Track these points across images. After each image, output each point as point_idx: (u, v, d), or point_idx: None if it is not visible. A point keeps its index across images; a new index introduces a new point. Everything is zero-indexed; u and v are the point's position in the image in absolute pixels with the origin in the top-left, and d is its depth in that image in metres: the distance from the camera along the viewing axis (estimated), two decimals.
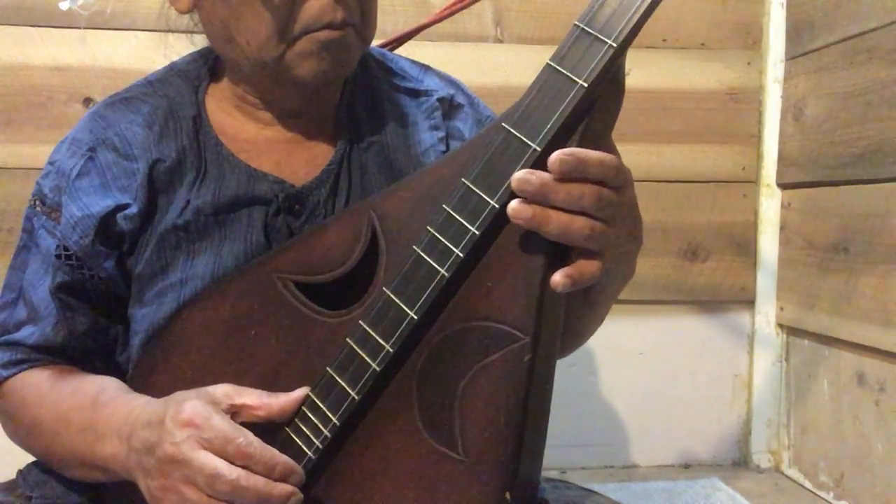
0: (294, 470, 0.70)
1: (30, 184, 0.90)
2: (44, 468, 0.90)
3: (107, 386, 0.82)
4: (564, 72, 0.63)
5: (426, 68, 0.99)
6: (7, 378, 0.87)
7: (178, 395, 0.73)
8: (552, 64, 0.64)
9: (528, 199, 0.63)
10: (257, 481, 0.67)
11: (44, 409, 0.83)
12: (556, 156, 0.62)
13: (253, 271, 0.80)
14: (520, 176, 0.63)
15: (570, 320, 0.74)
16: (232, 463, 0.68)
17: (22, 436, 0.87)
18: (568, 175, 0.62)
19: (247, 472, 0.67)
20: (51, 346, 0.86)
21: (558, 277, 0.65)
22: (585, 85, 0.62)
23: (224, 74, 0.90)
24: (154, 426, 0.71)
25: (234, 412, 0.71)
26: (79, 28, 1.58)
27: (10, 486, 0.90)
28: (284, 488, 0.68)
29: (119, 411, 0.77)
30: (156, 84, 0.91)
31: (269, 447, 0.69)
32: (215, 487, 0.67)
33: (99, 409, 0.79)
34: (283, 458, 0.69)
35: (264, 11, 0.77)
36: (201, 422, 0.69)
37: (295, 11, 0.77)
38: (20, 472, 0.92)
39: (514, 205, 0.63)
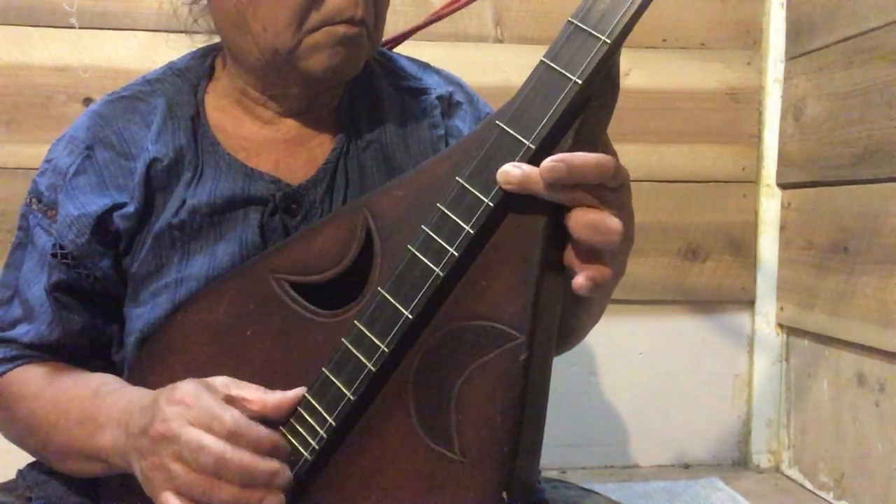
0: (279, 446, 0.70)
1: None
2: (43, 469, 0.90)
3: (108, 380, 0.83)
4: (558, 68, 0.63)
5: (425, 66, 0.99)
6: (1, 374, 0.87)
7: (177, 382, 0.73)
8: (546, 61, 0.64)
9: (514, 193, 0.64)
10: (242, 455, 0.67)
11: (42, 402, 0.83)
12: (545, 163, 0.62)
13: (248, 271, 0.80)
14: (503, 169, 0.63)
15: (565, 319, 0.74)
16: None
17: (16, 430, 0.87)
18: (561, 182, 0.62)
19: (232, 446, 0.67)
20: (45, 344, 0.86)
21: (581, 280, 0.64)
22: (579, 82, 0.62)
23: (225, 71, 0.90)
24: (148, 409, 0.72)
25: (229, 402, 0.71)
26: (73, 28, 1.58)
27: (9, 487, 0.90)
28: (271, 464, 0.68)
29: (119, 402, 0.77)
30: (154, 83, 0.91)
31: (255, 424, 0.69)
32: (200, 461, 0.66)
33: (99, 400, 0.79)
34: (268, 433, 0.69)
35: None
36: (191, 400, 0.69)
37: (318, 2, 0.77)
38: (20, 472, 0.92)
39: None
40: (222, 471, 0.67)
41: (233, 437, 0.68)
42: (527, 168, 0.63)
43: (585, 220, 0.63)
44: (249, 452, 0.68)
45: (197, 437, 0.67)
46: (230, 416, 0.68)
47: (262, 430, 0.69)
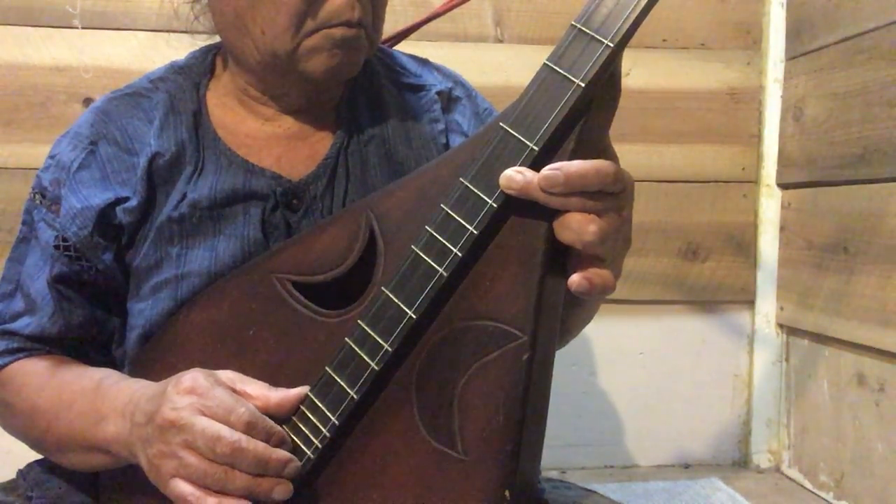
0: (284, 438, 0.71)
1: (30, 184, 0.91)
2: (44, 468, 0.90)
3: (110, 373, 0.83)
4: (561, 71, 0.63)
5: (425, 63, 1.00)
6: (3, 366, 0.87)
7: (183, 371, 0.73)
8: (549, 64, 0.64)
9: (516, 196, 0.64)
10: (257, 445, 0.69)
11: (45, 393, 0.83)
12: (544, 171, 0.63)
13: (251, 271, 0.80)
14: (506, 174, 0.64)
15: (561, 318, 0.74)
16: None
17: (18, 423, 0.87)
18: (557, 190, 0.63)
19: (247, 436, 0.68)
20: (47, 336, 0.87)
21: (577, 278, 0.65)
22: (582, 84, 0.62)
23: (226, 69, 0.90)
24: (155, 398, 0.72)
25: None
26: (76, 28, 1.58)
27: (10, 486, 0.90)
28: (282, 454, 0.70)
29: (122, 393, 0.77)
30: (157, 81, 0.92)
31: (265, 417, 0.71)
32: (216, 450, 0.68)
33: (102, 392, 0.79)
34: (278, 428, 0.71)
35: (285, 1, 0.78)
36: (204, 391, 0.70)
37: (315, 5, 0.78)
38: (20, 471, 0.92)
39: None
40: (237, 460, 0.68)
41: (249, 428, 0.69)
42: (529, 174, 0.64)
43: (561, 222, 0.64)
44: (263, 443, 0.69)
45: (212, 426, 0.68)
46: (246, 408, 0.69)
47: (274, 426, 0.71)
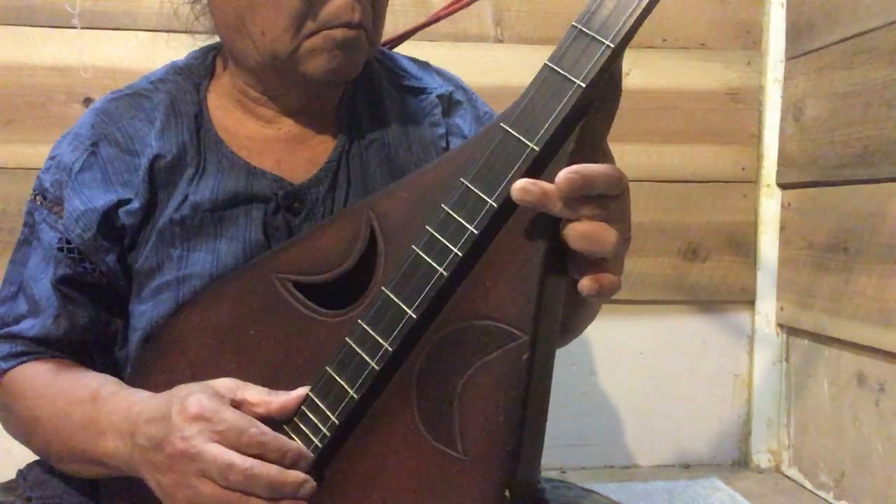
0: (304, 455, 0.71)
1: (30, 184, 0.91)
2: (44, 468, 0.90)
3: (107, 381, 0.83)
4: (562, 72, 0.63)
5: (426, 66, 1.00)
6: (7, 370, 0.86)
7: (180, 389, 0.73)
8: (550, 64, 0.64)
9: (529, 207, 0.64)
10: (270, 469, 0.68)
11: (43, 402, 0.83)
12: (563, 175, 0.62)
13: (252, 271, 0.80)
14: (520, 185, 0.63)
15: (563, 318, 0.74)
16: (244, 453, 0.68)
17: (20, 430, 0.87)
18: (575, 193, 0.62)
19: (259, 461, 0.68)
20: (51, 338, 0.86)
21: (587, 282, 0.65)
22: (583, 85, 0.62)
23: (226, 71, 0.90)
24: (159, 422, 0.71)
25: (235, 406, 0.71)
26: (75, 28, 1.58)
27: (10, 486, 0.90)
28: (297, 475, 0.69)
29: (120, 406, 0.77)
30: (157, 82, 0.91)
31: (279, 435, 0.70)
32: (229, 478, 0.67)
33: (99, 404, 0.79)
34: (294, 444, 0.70)
35: (285, 3, 0.78)
36: (211, 415, 0.69)
37: (315, 6, 0.78)
38: (20, 472, 0.92)
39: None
40: (251, 486, 0.68)
41: (261, 448, 0.69)
42: (544, 185, 0.63)
43: (580, 232, 0.64)
44: (277, 465, 0.69)
45: (223, 455, 0.68)
46: (256, 430, 0.69)
47: (287, 443, 0.70)
